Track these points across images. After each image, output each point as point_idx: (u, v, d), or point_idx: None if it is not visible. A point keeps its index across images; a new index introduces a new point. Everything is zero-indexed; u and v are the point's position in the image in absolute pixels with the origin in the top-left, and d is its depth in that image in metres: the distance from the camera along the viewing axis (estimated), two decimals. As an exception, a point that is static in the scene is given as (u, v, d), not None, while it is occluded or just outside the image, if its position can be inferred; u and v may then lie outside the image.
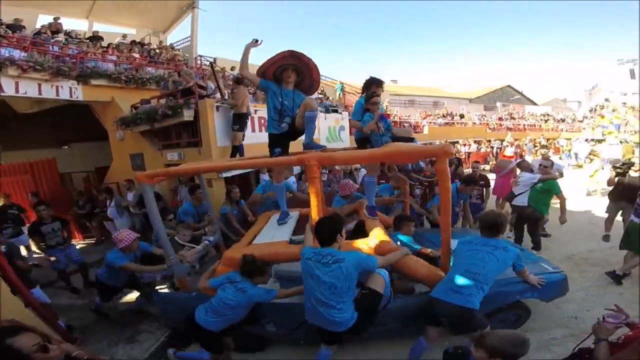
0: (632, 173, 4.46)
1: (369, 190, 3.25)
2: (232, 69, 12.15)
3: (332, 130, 9.12)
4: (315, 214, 2.41)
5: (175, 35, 12.99)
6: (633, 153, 10.47)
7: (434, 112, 19.35)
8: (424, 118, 17.30)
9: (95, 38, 8.35)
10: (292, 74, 2.76)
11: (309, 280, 2.10)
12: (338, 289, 2.00)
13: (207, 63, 12.77)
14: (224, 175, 4.64)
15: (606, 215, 4.62)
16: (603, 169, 8.17)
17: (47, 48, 6.10)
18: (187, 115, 4.74)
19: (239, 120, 4.83)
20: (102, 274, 3.23)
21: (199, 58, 12.31)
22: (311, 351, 2.63)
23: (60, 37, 7.13)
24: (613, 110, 16.34)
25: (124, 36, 9.59)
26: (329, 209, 3.65)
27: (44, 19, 8.12)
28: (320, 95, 12.77)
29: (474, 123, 19.01)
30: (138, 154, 5.81)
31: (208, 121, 4.66)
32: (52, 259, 4.01)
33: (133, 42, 8.99)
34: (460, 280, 2.18)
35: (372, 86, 3.18)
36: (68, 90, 6.00)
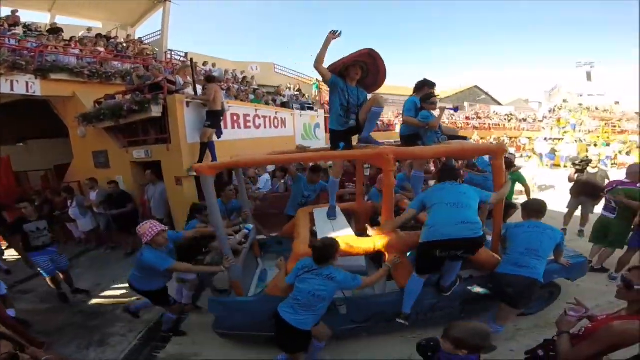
0: (590, 170, 4.86)
1: (417, 184, 3.52)
2: (205, 64, 11.88)
3: (307, 127, 9.19)
4: (387, 206, 2.68)
5: (145, 29, 12.49)
6: (587, 151, 11.37)
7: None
8: (397, 116, 17.74)
9: (55, 31, 7.88)
10: (359, 72, 2.81)
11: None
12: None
13: (178, 58, 12.52)
14: (194, 173, 4.53)
15: (566, 210, 5.00)
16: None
17: (3, 41, 5.72)
18: (155, 111, 4.57)
19: (212, 118, 4.75)
20: (136, 279, 2.79)
21: (169, 52, 11.99)
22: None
23: (18, 30, 6.70)
24: (570, 111, 17.60)
25: (89, 29, 9.15)
26: (368, 203, 3.84)
27: (4, 12, 7.59)
28: (296, 93, 12.77)
29: (443, 122, 19.71)
30: (102, 152, 5.55)
31: (177, 117, 4.53)
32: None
33: (99, 36, 8.57)
34: (525, 257, 2.49)
35: (426, 87, 3.30)
36: (24, 85, 5.63)
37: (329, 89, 2.96)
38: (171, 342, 3.02)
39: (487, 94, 31.07)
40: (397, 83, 22.15)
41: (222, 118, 5.01)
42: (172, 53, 12.19)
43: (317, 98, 14.44)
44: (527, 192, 4.81)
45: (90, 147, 5.83)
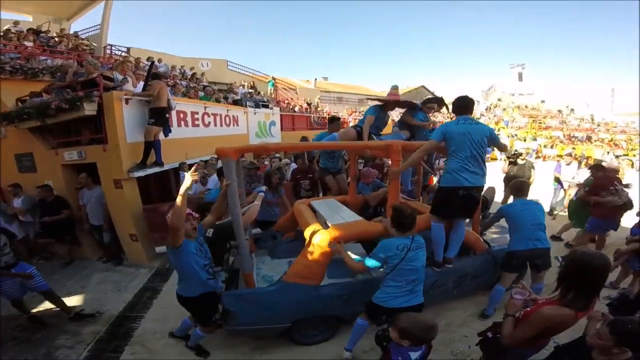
0: (519, 161, 5.60)
1: (405, 176, 3.91)
2: (148, 59, 11.17)
3: (262, 125, 9.10)
4: (392, 195, 2.95)
5: (84, 23, 11.60)
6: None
7: (359, 109, 20.60)
8: (350, 114, 18.29)
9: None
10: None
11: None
12: None
13: (119, 53, 11.67)
14: (137, 174, 4.28)
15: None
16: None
17: None
18: (89, 109, 4.21)
19: (155, 115, 4.50)
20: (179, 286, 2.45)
21: (109, 47, 11.17)
22: (310, 351, 2.78)
23: None
24: (504, 110, 19.52)
25: (16, 23, 8.20)
26: (359, 197, 3.92)
27: None
28: (250, 90, 12.55)
29: (393, 120, 20.84)
30: (26, 154, 4.96)
31: (115, 115, 4.21)
32: None
33: (30, 30, 7.73)
34: (536, 232, 2.88)
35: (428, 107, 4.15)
36: None
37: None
38: (125, 352, 2.89)
39: (433, 93, 33.20)
40: (353, 82, 22.82)
41: (168, 116, 4.79)
42: (112, 48, 11.39)
43: (273, 96, 14.34)
44: None
45: (13, 149, 5.17)
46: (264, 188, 3.32)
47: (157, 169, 4.61)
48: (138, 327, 3.23)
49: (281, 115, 10.52)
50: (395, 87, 3.88)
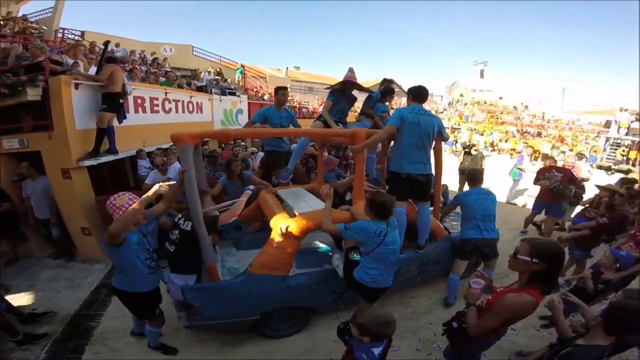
0: (473, 152, 6.14)
1: (370, 164, 3.98)
2: (105, 43, 10.38)
3: (228, 113, 8.87)
4: (358, 180, 3.07)
5: (36, 6, 10.89)
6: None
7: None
8: (321, 104, 18.33)
9: None
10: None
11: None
12: None
13: (72, 37, 10.78)
14: (88, 163, 4.01)
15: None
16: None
17: None
18: (32, 94, 3.86)
19: (108, 100, 4.22)
20: (119, 280, 2.28)
21: (61, 31, 10.38)
22: (281, 343, 2.78)
23: None
24: (465, 105, 20.62)
25: None
26: (327, 184, 3.80)
27: None
28: (216, 77, 12.11)
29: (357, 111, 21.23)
30: (-43, 142, 4.46)
31: (63, 101, 3.90)
32: None
33: None
34: (485, 222, 3.03)
35: (387, 96, 4.30)
36: None
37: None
38: (86, 352, 2.75)
39: (400, 87, 33.99)
40: (323, 73, 22.74)
41: (123, 101, 4.51)
42: (65, 32, 10.56)
43: (241, 84, 13.94)
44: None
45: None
46: (251, 187, 3.16)
47: (111, 157, 4.35)
48: (98, 326, 3.08)
49: (249, 103, 10.28)
50: (351, 70, 3.80)
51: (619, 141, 14.27)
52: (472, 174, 3.34)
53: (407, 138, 2.83)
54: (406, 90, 4.47)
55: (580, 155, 5.05)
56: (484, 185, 3.37)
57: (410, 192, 2.99)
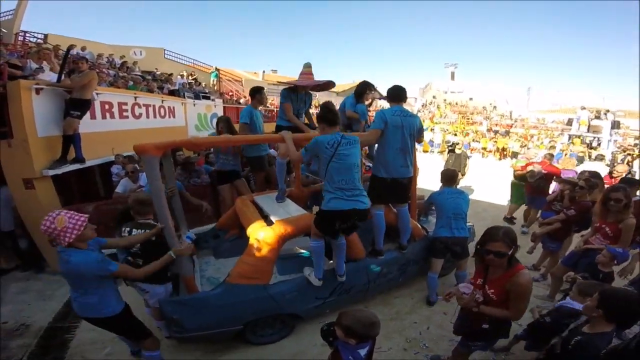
0: (457, 150, 6.59)
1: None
2: (71, 47, 9.92)
3: (202, 117, 8.73)
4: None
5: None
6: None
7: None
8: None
9: None
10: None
11: None
12: None
13: (34, 40, 10.33)
14: (52, 172, 3.81)
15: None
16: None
17: None
18: (-13, 99, 3.67)
19: (81, 107, 4.06)
20: (81, 305, 2.01)
21: (22, 34, 9.94)
22: (268, 349, 2.73)
23: None
24: (437, 107, 21.39)
25: None
26: (305, 189, 3.81)
27: None
28: (190, 81, 11.89)
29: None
30: None
31: (22, 106, 3.69)
32: None
33: None
34: (456, 221, 3.09)
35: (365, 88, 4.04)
36: None
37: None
38: None
39: (375, 89, 34.61)
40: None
41: (88, 108, 4.35)
42: (26, 35, 10.08)
43: (216, 88, 13.74)
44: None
45: None
46: (193, 235, 2.74)
47: (77, 166, 4.17)
48: (73, 338, 2.95)
49: (224, 107, 10.16)
50: (307, 65, 3.66)
51: (581, 138, 15.57)
52: (449, 175, 3.42)
53: (392, 141, 2.77)
54: (379, 92, 4.55)
55: (549, 156, 5.44)
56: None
57: (393, 195, 2.99)
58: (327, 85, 3.97)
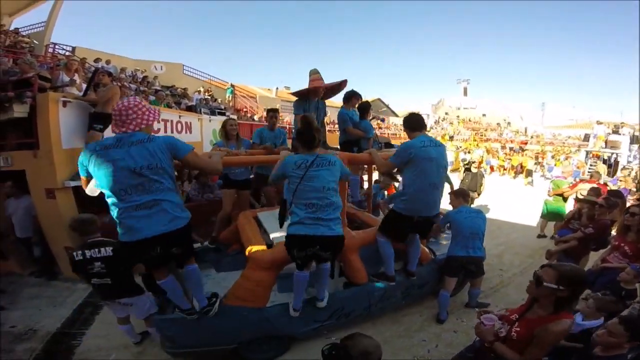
0: (473, 169, 6.44)
1: (354, 186, 3.99)
2: (97, 60, 10.49)
3: (216, 133, 8.90)
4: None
5: (30, 19, 10.85)
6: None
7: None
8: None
9: None
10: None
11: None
12: None
13: (63, 52, 10.87)
14: (73, 184, 3.91)
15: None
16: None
17: None
18: (19, 111, 3.86)
19: (102, 120, 4.23)
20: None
21: (52, 46, 10.39)
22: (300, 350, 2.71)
23: None
24: (450, 124, 21.27)
25: None
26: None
27: None
28: (207, 97, 12.27)
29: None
30: (-60, 160, 4.38)
31: (50, 118, 3.89)
32: None
33: None
34: (473, 241, 3.04)
35: (354, 98, 3.90)
36: None
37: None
38: None
39: (387, 106, 34.80)
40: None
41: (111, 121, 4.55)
42: (55, 47, 10.59)
43: (231, 103, 14.12)
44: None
45: None
46: None
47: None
48: (80, 344, 2.98)
49: (239, 124, 10.38)
50: (314, 72, 3.52)
51: (599, 155, 15.02)
52: (461, 193, 3.40)
53: (423, 177, 2.45)
54: (392, 109, 4.64)
55: (597, 174, 5.52)
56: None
57: (415, 232, 2.83)
58: (341, 86, 3.74)
